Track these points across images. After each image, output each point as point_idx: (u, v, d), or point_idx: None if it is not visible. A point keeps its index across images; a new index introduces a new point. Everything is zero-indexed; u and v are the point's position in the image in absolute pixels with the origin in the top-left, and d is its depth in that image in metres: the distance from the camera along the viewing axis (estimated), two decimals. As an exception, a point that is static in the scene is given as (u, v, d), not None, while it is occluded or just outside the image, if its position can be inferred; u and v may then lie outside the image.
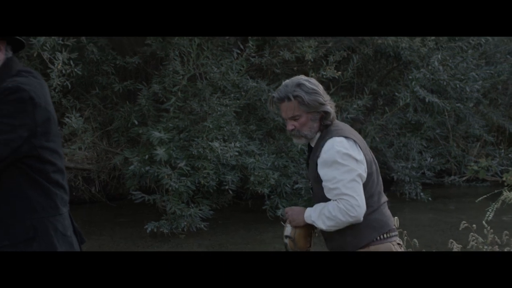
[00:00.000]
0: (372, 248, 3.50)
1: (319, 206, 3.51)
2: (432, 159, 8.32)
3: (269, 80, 7.75)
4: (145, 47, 7.52)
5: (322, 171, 3.43)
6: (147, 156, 6.91)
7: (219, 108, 6.99)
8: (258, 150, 7.08)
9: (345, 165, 3.41)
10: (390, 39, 7.77)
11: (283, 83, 3.49)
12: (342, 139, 3.44)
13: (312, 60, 7.35)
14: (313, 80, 3.55)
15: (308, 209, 3.57)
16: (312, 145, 3.56)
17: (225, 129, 6.95)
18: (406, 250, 3.84)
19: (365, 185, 3.50)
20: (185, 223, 6.67)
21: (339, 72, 7.30)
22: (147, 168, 6.81)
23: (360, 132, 7.71)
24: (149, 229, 6.65)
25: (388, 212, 3.63)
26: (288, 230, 3.62)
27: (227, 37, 7.43)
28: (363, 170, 3.47)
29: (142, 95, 7.27)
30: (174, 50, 7.10)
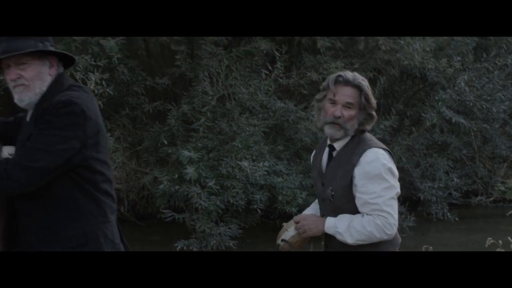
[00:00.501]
0: None
1: (346, 218, 3.36)
2: (458, 180, 8.41)
3: (296, 101, 7.90)
4: (174, 68, 7.72)
5: (361, 182, 3.29)
6: (176, 176, 7.08)
7: (247, 128, 7.15)
8: (286, 170, 7.22)
9: (387, 181, 3.30)
10: (417, 61, 7.90)
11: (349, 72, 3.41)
12: (384, 152, 3.33)
13: (339, 81, 7.50)
14: None
15: (330, 219, 3.37)
16: (337, 147, 3.40)
17: (253, 149, 7.10)
18: None
19: None
20: (214, 241, 6.79)
21: (366, 93, 7.44)
22: (177, 187, 6.97)
23: (386, 153, 7.88)
24: (179, 247, 6.79)
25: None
26: (289, 235, 3.42)
27: (255, 58, 7.61)
28: (399, 187, 3.38)
29: (172, 115, 7.45)
30: (203, 71, 7.29)
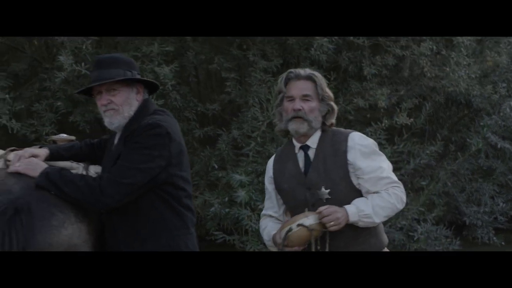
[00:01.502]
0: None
1: (364, 201, 3.35)
2: (504, 204, 8.63)
3: (343, 126, 8.22)
4: (223, 94, 8.11)
5: (363, 163, 3.35)
6: (227, 198, 7.44)
7: (296, 153, 7.49)
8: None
9: (380, 154, 3.45)
10: (462, 87, 8.18)
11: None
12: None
13: (385, 107, 7.83)
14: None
15: (350, 207, 3.32)
16: (312, 145, 3.43)
17: (302, 172, 7.44)
18: None
19: None
20: (264, 262, 7.12)
21: (411, 119, 7.75)
22: (227, 210, 7.33)
23: (432, 178, 8.15)
24: (229, 268, 7.14)
25: None
26: (309, 222, 3.28)
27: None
28: None
29: (222, 140, 7.83)
30: (253, 98, 7.67)
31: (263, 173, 7.64)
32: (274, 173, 3.57)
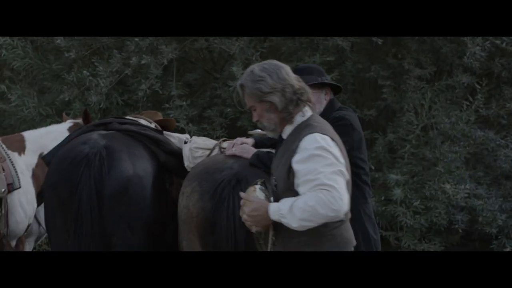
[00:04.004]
0: None
1: (289, 200, 3.42)
2: None
3: (496, 130, 9.18)
4: (379, 101, 9.28)
5: (300, 166, 3.41)
6: (383, 197, 8.61)
7: (449, 155, 8.55)
8: (486, 194, 8.54)
9: (327, 158, 3.41)
10: None
11: None
12: (326, 137, 3.51)
13: (537, 111, 8.77)
14: (271, 65, 3.55)
15: (273, 204, 3.49)
16: (284, 136, 3.67)
17: (455, 173, 8.49)
18: None
19: None
20: (419, 256, 8.24)
21: None
22: (384, 207, 8.51)
23: None
24: (385, 260, 8.32)
25: (351, 229, 3.68)
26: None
27: (456, 91, 8.97)
28: (344, 169, 3.50)
29: (378, 143, 8.99)
30: (408, 104, 8.80)
31: (417, 173, 8.76)
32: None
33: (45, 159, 5.16)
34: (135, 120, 5.34)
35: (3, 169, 5.58)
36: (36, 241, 6.30)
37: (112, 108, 8.89)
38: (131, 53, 8.65)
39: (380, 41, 8.51)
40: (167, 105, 8.71)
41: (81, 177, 4.67)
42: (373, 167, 8.97)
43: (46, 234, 5.89)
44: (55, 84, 9.26)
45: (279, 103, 3.50)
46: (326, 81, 4.73)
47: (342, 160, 3.49)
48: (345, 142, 4.48)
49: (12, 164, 5.70)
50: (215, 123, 9.01)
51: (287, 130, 3.62)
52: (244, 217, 3.58)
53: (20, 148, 5.97)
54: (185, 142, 5.19)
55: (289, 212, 3.38)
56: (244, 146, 4.77)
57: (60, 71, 9.14)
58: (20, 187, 5.65)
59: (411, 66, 8.83)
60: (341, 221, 3.53)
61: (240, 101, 3.74)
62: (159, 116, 5.96)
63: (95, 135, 4.93)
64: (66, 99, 8.88)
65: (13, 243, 5.71)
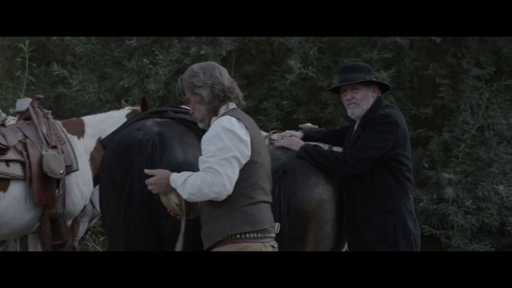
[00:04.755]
0: (243, 245, 3.96)
1: (185, 174, 4.02)
2: None
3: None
4: (436, 99, 9.40)
5: (203, 147, 3.98)
6: (435, 196, 8.76)
7: (504, 156, 8.65)
8: (540, 197, 8.62)
9: (223, 141, 3.91)
10: None
11: None
12: (232, 118, 4.00)
13: None
14: (208, 64, 4.17)
15: (175, 174, 4.07)
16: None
17: (509, 175, 8.59)
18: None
19: (246, 171, 3.97)
20: (468, 256, 8.37)
21: None
22: (435, 206, 8.65)
23: None
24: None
25: (268, 214, 4.11)
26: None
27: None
28: (243, 153, 3.95)
29: (433, 141, 9.12)
30: (464, 103, 8.91)
31: (471, 173, 8.87)
32: None
33: (102, 143, 5.47)
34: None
35: (63, 152, 5.90)
36: (90, 221, 6.66)
37: (170, 96, 9.19)
38: (191, 43, 8.95)
39: (438, 39, 8.63)
40: (224, 96, 8.95)
41: (134, 162, 4.95)
42: (426, 165, 9.12)
43: (99, 216, 6.24)
44: (116, 70, 9.62)
45: (206, 96, 4.10)
46: (373, 79, 4.95)
47: (247, 138, 3.96)
48: (390, 139, 4.71)
49: (71, 147, 6.02)
50: (271, 115, 9.24)
51: (212, 121, 4.14)
52: (150, 186, 4.17)
53: (80, 132, 6.31)
54: (237, 133, 5.46)
55: (182, 184, 3.99)
56: (292, 139, 5.04)
57: (121, 58, 9.51)
58: (78, 170, 5.97)
59: (470, 65, 8.93)
60: (257, 201, 4.02)
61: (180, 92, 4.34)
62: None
63: (150, 122, 5.21)
64: (126, 85, 9.22)
65: (69, 222, 6.04)
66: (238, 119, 4.02)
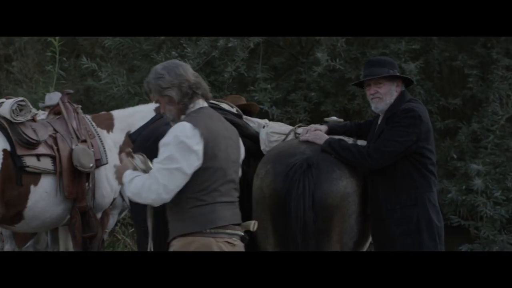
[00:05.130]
0: (190, 239, 4.11)
1: (134, 173, 4.19)
2: None
3: None
4: (465, 90, 9.42)
5: (159, 149, 4.13)
6: (464, 187, 8.80)
7: (535, 147, 8.69)
8: None
9: (171, 152, 4.04)
10: None
11: None
12: (188, 125, 4.08)
13: None
14: (170, 63, 4.26)
15: (129, 171, 4.24)
16: None
17: (542, 166, 8.63)
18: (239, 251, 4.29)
19: (198, 176, 4.08)
20: (497, 247, 8.41)
21: None
22: (464, 197, 8.70)
23: None
24: (463, 250, 8.53)
25: (226, 212, 4.20)
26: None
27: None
28: (190, 164, 4.05)
29: (462, 132, 9.14)
30: (494, 94, 8.92)
31: (501, 164, 8.89)
32: None
33: (131, 137, 5.63)
34: (217, 104, 5.75)
35: (92, 146, 6.07)
36: (119, 214, 6.82)
37: (198, 88, 9.31)
38: (219, 36, 9.06)
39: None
40: (252, 88, 9.08)
41: (162, 156, 5.12)
42: (455, 156, 9.14)
43: (129, 208, 6.40)
44: (144, 63, 9.76)
45: (175, 96, 4.17)
46: (397, 74, 5.04)
47: (198, 148, 4.05)
48: (413, 133, 4.80)
49: (101, 141, 6.18)
50: (299, 106, 9.30)
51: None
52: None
53: (109, 126, 6.47)
54: (263, 127, 5.58)
55: (129, 183, 4.17)
56: (317, 133, 5.14)
57: (149, 51, 9.64)
58: (107, 163, 6.14)
59: (500, 55, 8.91)
60: (209, 203, 4.15)
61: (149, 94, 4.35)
62: (243, 100, 6.34)
63: (178, 117, 5.36)
64: (155, 78, 9.34)
65: (99, 215, 6.21)
66: (194, 126, 4.11)
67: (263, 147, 5.49)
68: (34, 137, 5.74)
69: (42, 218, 5.90)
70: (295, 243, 4.81)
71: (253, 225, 4.36)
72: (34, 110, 5.94)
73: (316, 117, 9.19)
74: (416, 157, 4.87)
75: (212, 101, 5.85)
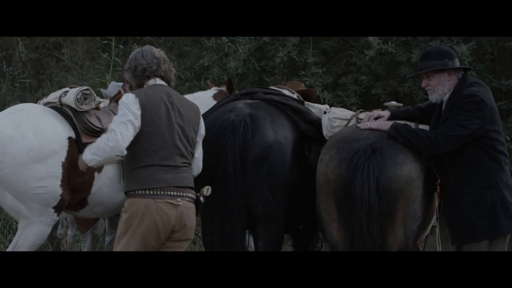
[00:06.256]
0: (131, 200, 4.77)
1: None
2: None
3: None
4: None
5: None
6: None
7: None
8: None
9: (121, 110, 4.80)
10: None
11: None
12: (130, 95, 4.89)
13: None
14: (138, 50, 5.09)
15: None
16: None
17: None
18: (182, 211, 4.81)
19: (137, 139, 4.75)
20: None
21: None
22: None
23: None
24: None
25: (164, 175, 4.77)
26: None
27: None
28: (136, 121, 4.76)
29: (515, 113, 9.23)
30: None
31: (556, 145, 8.95)
32: None
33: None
34: (279, 91, 5.91)
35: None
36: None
37: (249, 73, 9.48)
38: (256, 36, 9.18)
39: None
40: (303, 72, 9.22)
41: (227, 142, 5.31)
42: (508, 138, 9.19)
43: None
44: (195, 49, 9.95)
45: (128, 78, 5.15)
46: (448, 63, 5.17)
47: (137, 112, 4.77)
48: (477, 117, 4.95)
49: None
50: (350, 90, 9.43)
51: None
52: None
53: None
54: (325, 112, 5.74)
55: (87, 152, 4.89)
56: (379, 122, 5.30)
57: (200, 36, 9.82)
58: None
59: (555, 34, 8.94)
60: (148, 165, 4.77)
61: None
62: (302, 86, 6.50)
63: (241, 103, 5.54)
64: (206, 64, 9.54)
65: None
66: (136, 96, 4.85)
67: (325, 132, 5.65)
68: (98, 125, 5.91)
69: (105, 204, 6.07)
70: (359, 227, 4.97)
71: (206, 190, 4.93)
72: (98, 99, 6.13)
73: (366, 101, 9.29)
74: (484, 140, 5.04)
75: (273, 87, 6.04)
